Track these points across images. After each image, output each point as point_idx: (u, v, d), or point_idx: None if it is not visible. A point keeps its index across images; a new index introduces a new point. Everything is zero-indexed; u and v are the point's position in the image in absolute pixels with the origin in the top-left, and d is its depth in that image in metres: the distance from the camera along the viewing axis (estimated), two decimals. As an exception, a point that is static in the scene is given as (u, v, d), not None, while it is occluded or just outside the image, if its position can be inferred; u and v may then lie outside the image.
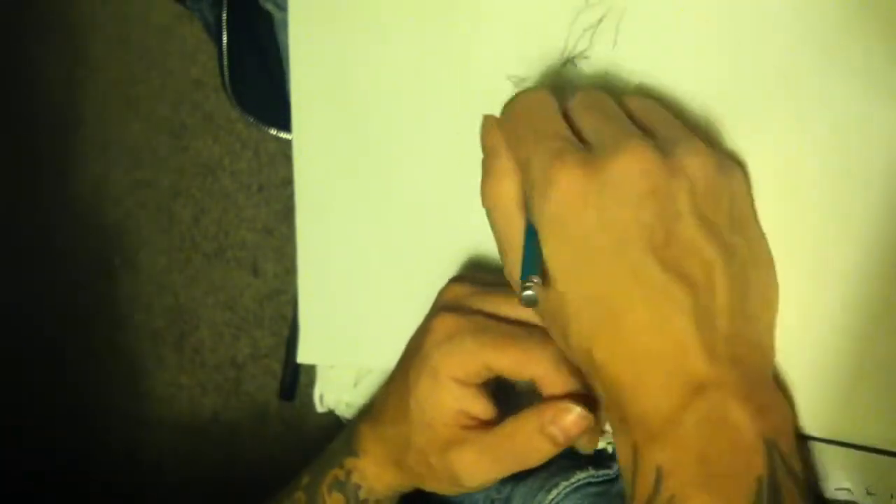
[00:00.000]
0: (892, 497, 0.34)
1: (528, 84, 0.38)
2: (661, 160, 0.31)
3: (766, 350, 0.33)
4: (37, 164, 1.15)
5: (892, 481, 0.33)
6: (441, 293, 0.38)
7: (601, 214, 0.30)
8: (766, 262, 0.33)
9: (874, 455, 0.33)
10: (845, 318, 0.33)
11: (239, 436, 1.09)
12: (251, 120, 0.54)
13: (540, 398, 0.36)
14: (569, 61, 0.37)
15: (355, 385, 0.44)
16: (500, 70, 0.38)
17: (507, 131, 0.34)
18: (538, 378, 0.35)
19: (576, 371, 0.36)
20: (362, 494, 0.40)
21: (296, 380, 0.52)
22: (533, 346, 0.35)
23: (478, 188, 0.39)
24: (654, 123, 0.34)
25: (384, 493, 0.40)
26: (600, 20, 0.37)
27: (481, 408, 0.36)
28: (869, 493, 0.34)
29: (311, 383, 0.45)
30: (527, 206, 0.33)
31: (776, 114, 0.34)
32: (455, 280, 0.38)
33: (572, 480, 0.40)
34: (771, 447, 0.30)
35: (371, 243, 0.41)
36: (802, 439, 0.34)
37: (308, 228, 0.43)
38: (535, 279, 0.31)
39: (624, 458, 0.31)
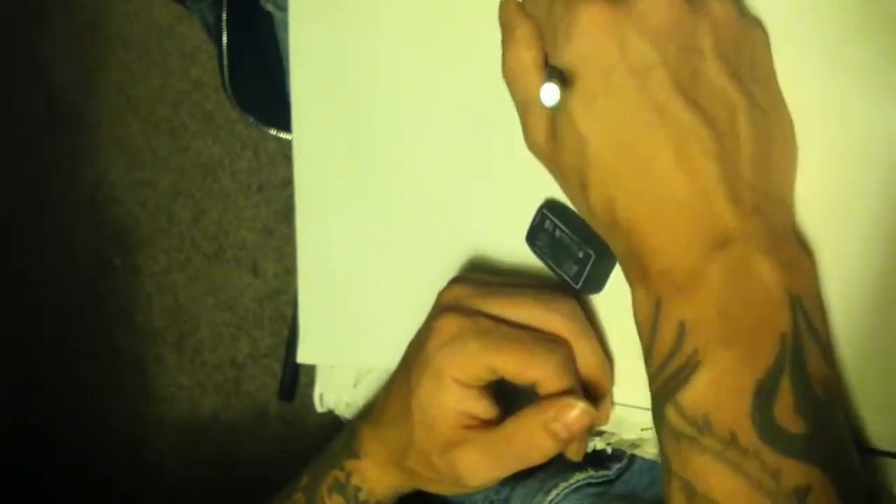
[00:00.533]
0: (891, 495, 0.34)
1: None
2: (688, 0, 0.30)
3: (788, 204, 0.32)
4: (37, 164, 1.15)
5: (888, 481, 0.33)
6: (442, 294, 0.38)
7: (625, 47, 0.29)
8: (786, 116, 0.32)
9: (870, 455, 0.33)
10: (845, 320, 0.32)
11: (239, 436, 1.09)
12: (251, 120, 0.54)
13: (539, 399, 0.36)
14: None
15: (355, 385, 0.43)
16: (499, 68, 0.38)
17: None
18: (540, 381, 0.35)
19: (577, 374, 0.36)
20: (362, 496, 0.39)
21: (295, 380, 0.52)
22: (537, 350, 0.35)
23: (478, 188, 0.39)
24: None
25: (384, 495, 0.40)
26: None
27: (483, 408, 0.36)
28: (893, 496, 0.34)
29: (311, 383, 0.45)
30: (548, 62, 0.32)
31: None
32: (456, 280, 0.38)
33: (571, 481, 0.40)
34: (795, 303, 0.29)
35: (371, 243, 0.41)
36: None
37: (308, 228, 0.43)
38: (556, 74, 0.30)
39: (643, 314, 0.31)
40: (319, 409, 0.44)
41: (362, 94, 0.41)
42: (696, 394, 0.28)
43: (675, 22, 0.30)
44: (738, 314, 0.29)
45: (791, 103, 0.33)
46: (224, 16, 0.51)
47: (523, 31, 0.33)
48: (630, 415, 0.37)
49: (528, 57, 0.33)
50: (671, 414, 0.29)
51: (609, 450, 0.40)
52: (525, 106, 0.33)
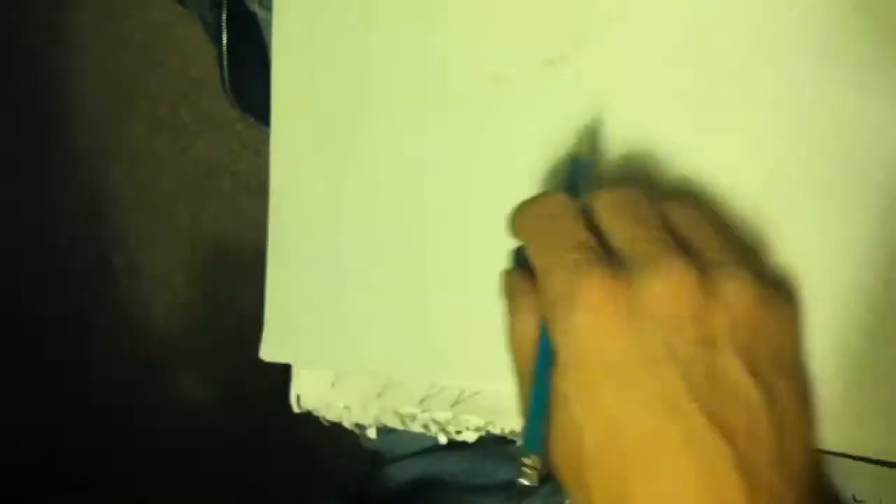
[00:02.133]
0: (880, 503, 0.34)
1: (508, 84, 0.37)
2: (699, 282, 0.27)
3: (803, 482, 0.29)
4: (37, 164, 1.15)
5: (879, 488, 0.33)
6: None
7: (632, 339, 0.27)
8: (806, 404, 0.30)
9: (860, 462, 0.33)
10: (840, 326, 0.32)
11: (239, 438, 1.09)
12: (251, 120, 0.54)
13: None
14: (549, 62, 0.37)
15: (333, 385, 0.43)
16: (481, 69, 0.38)
17: (526, 234, 0.30)
18: None
19: None
20: None
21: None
22: None
23: (455, 189, 0.38)
24: (696, 237, 0.29)
25: None
26: (585, 22, 0.36)
27: None
28: (856, 501, 0.34)
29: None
30: (542, 358, 0.29)
31: (773, 114, 0.34)
32: None
33: None
34: None
35: (345, 243, 0.41)
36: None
37: (281, 225, 0.43)
38: (531, 461, 0.28)
39: None
40: (297, 409, 0.44)
41: (346, 91, 0.41)
42: None
43: (687, 311, 0.27)
44: None
45: (789, 105, 0.33)
46: (224, 16, 0.51)
47: (529, 302, 0.30)
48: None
49: (531, 327, 0.30)
50: None
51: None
52: (520, 378, 0.31)
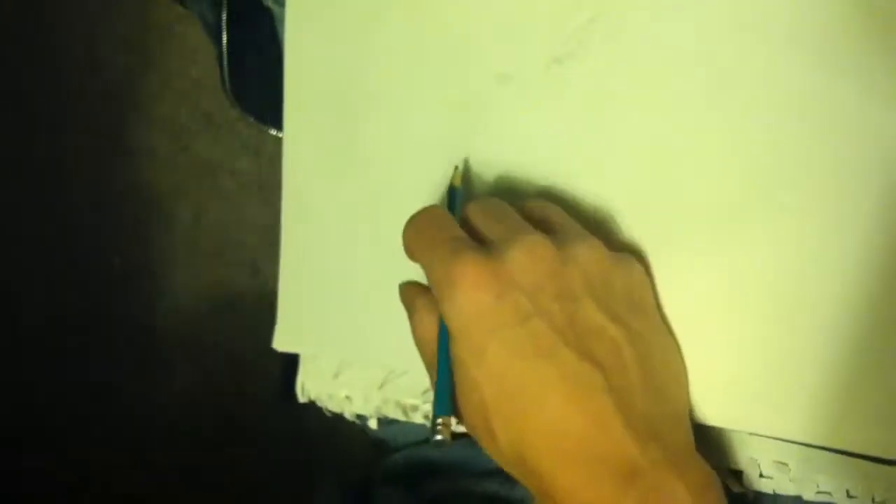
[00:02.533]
0: (872, 500, 0.34)
1: (515, 83, 0.38)
2: (554, 250, 0.32)
3: (684, 422, 0.33)
4: (37, 164, 1.15)
5: (871, 484, 0.33)
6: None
7: (502, 303, 0.31)
8: (669, 342, 0.34)
9: (854, 458, 0.33)
10: (837, 325, 0.33)
11: (239, 435, 1.09)
12: (251, 120, 0.54)
13: None
14: (556, 61, 0.37)
15: (336, 376, 0.44)
16: (490, 69, 0.38)
17: (409, 246, 0.35)
18: None
19: None
20: None
21: (294, 380, 0.52)
22: None
23: (463, 186, 0.39)
24: (550, 220, 0.35)
25: None
26: (590, 20, 0.36)
27: None
28: (850, 496, 0.34)
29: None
30: (441, 345, 0.34)
31: (771, 114, 0.34)
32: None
33: None
34: None
35: (356, 236, 0.41)
36: (785, 443, 0.34)
37: (294, 215, 0.43)
38: (443, 420, 0.32)
39: None
40: (301, 399, 0.45)
41: (356, 89, 0.41)
42: None
43: (546, 274, 0.32)
44: None
45: (788, 105, 0.33)
46: (224, 16, 0.51)
47: (425, 301, 0.35)
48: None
49: (428, 322, 0.35)
50: None
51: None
52: (431, 373, 0.35)
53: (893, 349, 0.32)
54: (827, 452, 0.34)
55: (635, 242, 0.36)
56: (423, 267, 0.34)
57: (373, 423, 0.44)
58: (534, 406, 0.31)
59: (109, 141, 1.13)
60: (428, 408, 0.42)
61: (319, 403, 0.44)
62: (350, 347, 0.42)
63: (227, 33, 0.51)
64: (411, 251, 0.35)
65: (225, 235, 1.11)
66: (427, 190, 0.38)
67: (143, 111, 1.11)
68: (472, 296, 0.31)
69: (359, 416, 0.44)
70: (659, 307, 0.35)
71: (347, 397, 0.43)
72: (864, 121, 0.32)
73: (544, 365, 0.31)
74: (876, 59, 0.32)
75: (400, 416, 0.42)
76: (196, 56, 1.08)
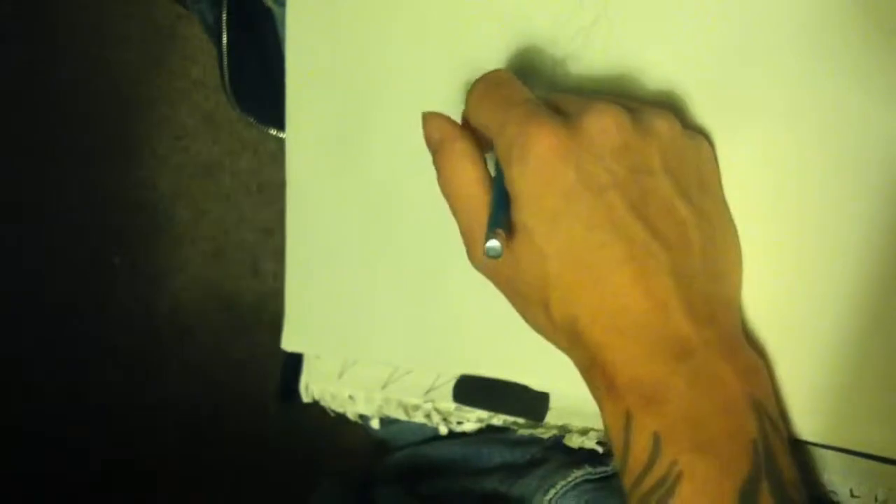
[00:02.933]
0: (875, 499, 0.34)
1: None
2: (631, 119, 0.31)
3: (736, 308, 0.33)
4: (37, 164, 1.15)
5: (875, 483, 0.33)
6: None
7: (579, 170, 0.30)
8: (730, 225, 0.34)
9: (857, 457, 0.33)
10: (837, 322, 0.33)
11: (239, 436, 1.09)
12: (251, 120, 0.54)
13: None
14: (560, 62, 0.37)
15: (340, 376, 0.44)
16: (492, 69, 0.38)
17: (477, 102, 0.34)
18: None
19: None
20: None
21: (295, 380, 0.52)
22: None
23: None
24: (620, 98, 0.34)
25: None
26: (594, 22, 0.37)
27: None
28: (853, 496, 0.34)
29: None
30: (495, 176, 0.33)
31: (771, 115, 0.34)
32: None
33: (569, 479, 0.40)
34: (759, 408, 0.30)
35: (362, 235, 0.41)
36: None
37: (299, 215, 0.43)
38: (500, 231, 0.31)
39: (614, 428, 0.31)
40: (305, 398, 0.45)
41: (359, 85, 0.41)
42: None
43: (624, 144, 0.31)
44: (710, 423, 0.29)
45: (786, 105, 0.34)
46: (224, 16, 0.51)
47: (465, 146, 0.34)
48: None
49: (473, 174, 0.33)
50: None
51: (601, 449, 0.40)
52: (471, 226, 0.34)
53: None
54: (830, 451, 0.34)
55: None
56: (490, 127, 0.33)
57: (375, 423, 0.44)
58: (598, 280, 0.31)
59: (109, 141, 1.13)
60: (430, 406, 0.42)
61: (323, 403, 0.44)
62: (357, 347, 0.42)
63: (227, 33, 0.51)
64: (478, 111, 0.34)
65: (225, 235, 1.11)
66: (432, 189, 0.38)
67: (143, 111, 1.11)
68: (549, 161, 0.31)
69: (361, 416, 0.45)
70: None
71: (350, 397, 0.43)
72: (865, 121, 0.33)
73: (615, 240, 0.30)
74: (879, 57, 0.32)
75: (402, 416, 0.42)
76: (196, 56, 1.08)
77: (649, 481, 0.30)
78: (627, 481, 0.31)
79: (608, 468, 0.41)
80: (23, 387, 1.12)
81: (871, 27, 0.32)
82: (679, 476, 0.29)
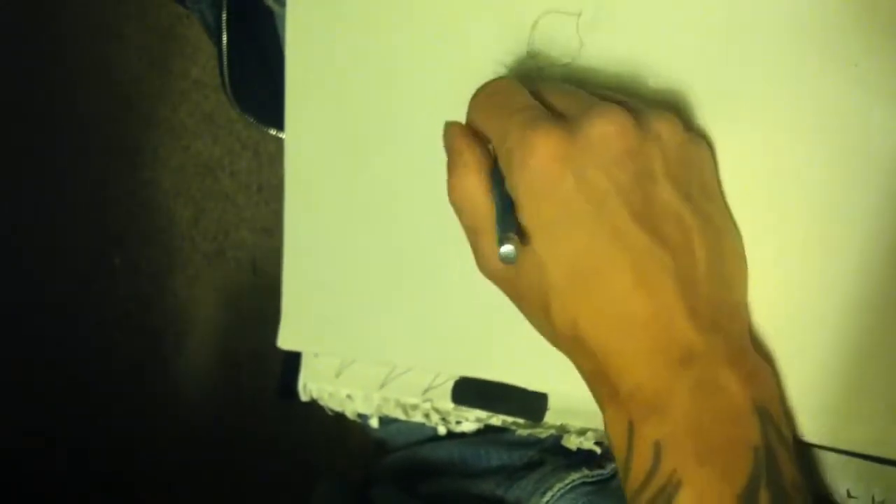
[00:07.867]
0: (872, 500, 0.34)
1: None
2: (634, 123, 0.31)
3: (743, 316, 0.33)
4: (37, 164, 1.15)
5: (871, 484, 0.33)
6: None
7: (580, 177, 0.30)
8: (734, 229, 0.34)
9: (854, 458, 0.33)
10: (836, 322, 0.33)
11: (239, 436, 1.09)
12: (251, 120, 0.54)
13: None
14: (560, 63, 0.37)
15: (337, 375, 0.44)
16: (491, 68, 0.38)
17: (479, 111, 0.34)
18: None
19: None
20: None
21: (294, 379, 0.52)
22: None
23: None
24: (625, 99, 0.34)
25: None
26: (592, 20, 0.37)
27: None
28: (850, 496, 0.34)
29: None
30: (496, 181, 0.33)
31: (771, 115, 0.34)
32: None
33: (566, 482, 0.40)
34: (763, 415, 0.30)
35: (360, 234, 0.42)
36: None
37: (296, 213, 0.43)
38: (513, 235, 0.30)
39: (617, 436, 0.31)
40: (303, 398, 0.45)
41: (358, 84, 0.41)
42: None
43: (626, 149, 0.31)
44: (712, 431, 0.29)
45: (786, 105, 0.34)
46: (224, 16, 0.51)
47: (471, 156, 0.33)
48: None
49: (476, 182, 0.33)
50: None
51: (599, 450, 0.40)
52: (476, 231, 0.34)
53: (894, 349, 0.32)
54: (827, 452, 0.34)
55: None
56: (492, 134, 0.33)
57: (374, 422, 0.44)
58: (600, 288, 0.30)
59: (109, 141, 1.13)
60: (428, 406, 0.42)
61: (321, 402, 0.44)
62: (354, 345, 0.42)
63: (227, 33, 0.51)
64: (480, 117, 0.34)
65: (225, 235, 1.11)
66: (429, 189, 0.38)
67: (143, 111, 1.11)
68: (550, 167, 0.30)
69: (360, 415, 0.45)
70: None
71: (349, 396, 0.43)
72: (865, 121, 0.33)
73: (617, 247, 0.30)
74: (877, 58, 0.32)
75: (400, 415, 0.42)
76: (196, 56, 1.08)
77: (651, 489, 0.30)
78: (629, 488, 0.30)
79: (605, 471, 0.41)
80: (23, 387, 1.12)
81: (871, 27, 0.32)
82: (679, 484, 0.29)
